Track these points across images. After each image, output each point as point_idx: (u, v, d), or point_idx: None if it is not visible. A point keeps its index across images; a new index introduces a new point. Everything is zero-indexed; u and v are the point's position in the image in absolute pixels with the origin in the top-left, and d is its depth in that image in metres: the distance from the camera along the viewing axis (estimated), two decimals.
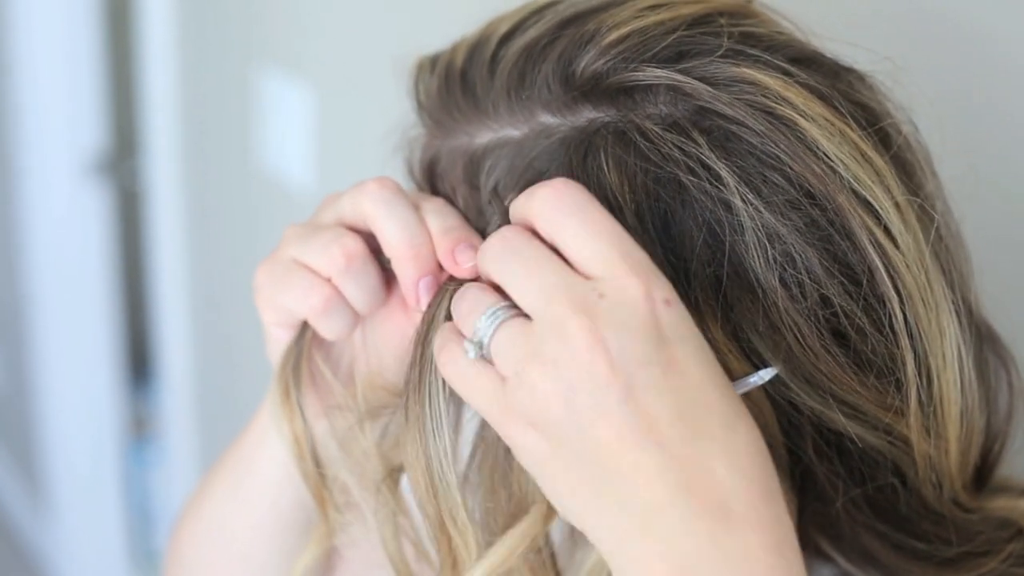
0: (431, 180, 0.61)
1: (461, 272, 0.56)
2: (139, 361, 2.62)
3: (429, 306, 0.56)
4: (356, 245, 0.59)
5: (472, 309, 0.51)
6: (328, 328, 0.61)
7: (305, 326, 0.63)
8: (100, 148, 2.31)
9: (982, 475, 0.60)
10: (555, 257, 0.49)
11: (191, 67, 1.73)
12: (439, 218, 0.58)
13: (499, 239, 0.51)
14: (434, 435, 0.53)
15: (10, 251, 2.59)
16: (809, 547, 0.59)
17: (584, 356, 0.46)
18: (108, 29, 2.32)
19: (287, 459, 0.65)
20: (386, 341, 0.63)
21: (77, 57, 2.24)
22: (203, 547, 0.73)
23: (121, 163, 2.34)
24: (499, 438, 0.52)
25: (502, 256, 0.50)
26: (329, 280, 0.59)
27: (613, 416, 0.46)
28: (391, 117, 0.65)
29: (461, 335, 0.51)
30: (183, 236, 1.85)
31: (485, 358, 0.50)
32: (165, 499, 2.33)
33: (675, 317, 0.47)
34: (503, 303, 0.50)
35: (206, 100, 1.72)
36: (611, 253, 0.48)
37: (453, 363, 0.51)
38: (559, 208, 0.49)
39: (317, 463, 0.63)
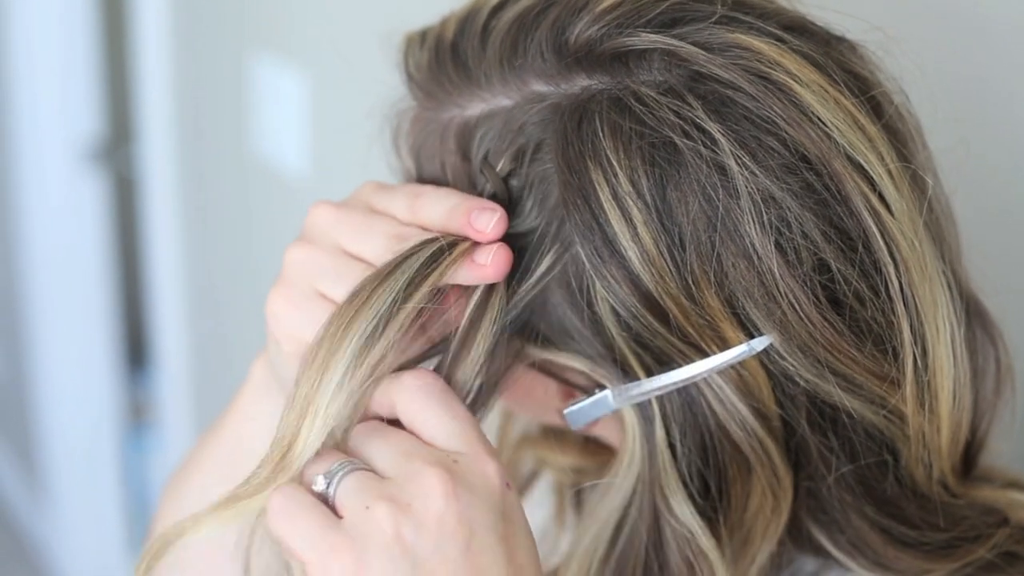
0: (418, 160, 0.61)
1: (487, 238, 0.55)
2: (136, 348, 2.62)
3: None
4: None
5: (323, 459, 0.52)
6: None
7: None
8: (96, 135, 2.31)
9: (969, 456, 0.60)
10: (411, 435, 0.52)
11: (186, 54, 1.73)
12: (439, 200, 0.56)
13: (360, 426, 0.53)
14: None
15: (6, 238, 2.59)
16: (801, 534, 0.59)
17: (438, 503, 0.49)
18: (103, 16, 2.32)
19: None
20: None
21: (72, 44, 2.24)
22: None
23: (117, 150, 2.34)
24: None
25: (361, 434, 0.53)
26: None
27: (450, 564, 0.49)
28: (386, 103, 0.65)
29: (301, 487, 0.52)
30: (179, 222, 1.85)
31: (326, 497, 0.51)
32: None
33: (514, 501, 0.51)
34: (351, 460, 0.52)
35: (201, 87, 1.72)
36: (467, 432, 0.51)
37: (283, 496, 0.51)
38: (420, 395, 0.52)
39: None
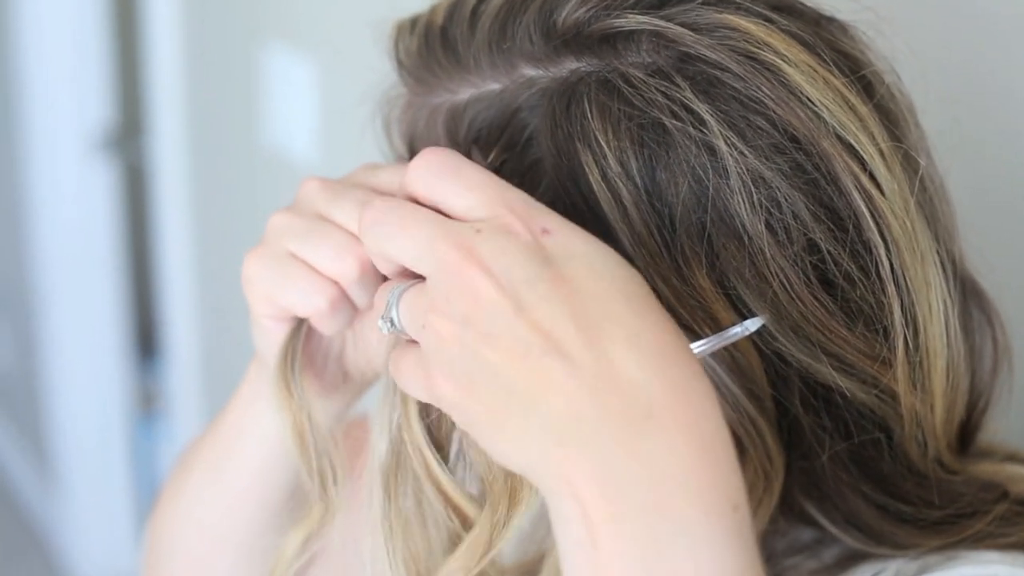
0: (411, 146, 0.61)
1: None
2: (146, 337, 2.64)
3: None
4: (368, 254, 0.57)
5: (380, 296, 0.53)
6: (329, 326, 0.60)
7: (301, 321, 0.62)
8: (107, 124, 2.32)
9: (966, 434, 0.60)
10: (428, 211, 0.50)
11: (196, 43, 1.74)
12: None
13: (371, 210, 0.51)
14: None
15: (18, 227, 2.60)
16: (793, 510, 0.59)
17: (470, 284, 0.46)
18: (115, 5, 2.33)
19: (276, 445, 0.65)
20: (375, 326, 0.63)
21: (84, 34, 2.25)
22: (181, 533, 0.73)
23: (127, 139, 2.35)
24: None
25: (377, 223, 0.51)
26: (335, 282, 0.58)
27: (505, 335, 0.46)
28: (383, 91, 0.65)
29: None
30: (189, 211, 1.86)
31: (398, 330, 0.51)
32: None
33: (559, 241, 0.48)
34: (407, 281, 0.51)
35: (210, 76, 1.73)
36: (485, 197, 0.49)
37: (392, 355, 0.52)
38: (431, 171, 0.50)
39: (318, 451, 0.62)
